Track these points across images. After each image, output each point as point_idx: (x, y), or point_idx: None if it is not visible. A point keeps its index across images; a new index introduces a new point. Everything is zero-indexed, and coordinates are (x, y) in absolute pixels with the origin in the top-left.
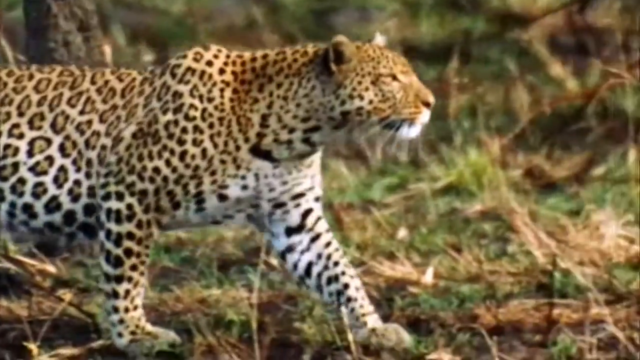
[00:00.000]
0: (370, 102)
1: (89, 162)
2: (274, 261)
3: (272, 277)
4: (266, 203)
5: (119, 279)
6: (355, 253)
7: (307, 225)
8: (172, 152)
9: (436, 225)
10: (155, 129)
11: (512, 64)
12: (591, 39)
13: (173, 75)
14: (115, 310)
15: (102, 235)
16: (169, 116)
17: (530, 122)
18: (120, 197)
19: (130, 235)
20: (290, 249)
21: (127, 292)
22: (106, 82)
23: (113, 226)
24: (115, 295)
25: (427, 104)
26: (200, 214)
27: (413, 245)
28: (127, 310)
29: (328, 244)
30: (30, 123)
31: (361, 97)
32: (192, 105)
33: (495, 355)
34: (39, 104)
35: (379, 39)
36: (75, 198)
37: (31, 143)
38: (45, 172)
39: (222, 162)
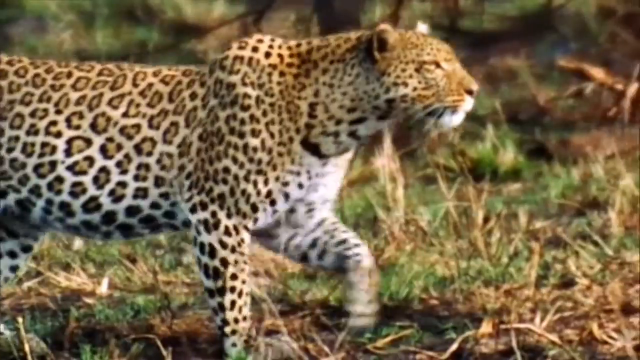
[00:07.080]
0: (414, 89)
1: (146, 167)
2: None
3: None
4: (304, 207)
5: (221, 292)
6: (32, 263)
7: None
8: (235, 147)
9: None
10: (217, 126)
11: None
12: None
13: (222, 68)
14: (226, 323)
15: (196, 251)
16: (228, 110)
17: None
18: (204, 206)
19: (222, 244)
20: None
21: (233, 303)
22: (150, 85)
23: (204, 237)
24: (221, 308)
25: (470, 92)
26: (274, 216)
27: (88, 255)
28: (236, 321)
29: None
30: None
31: (405, 85)
32: (245, 94)
33: None
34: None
35: (422, 27)
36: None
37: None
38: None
39: (280, 154)
